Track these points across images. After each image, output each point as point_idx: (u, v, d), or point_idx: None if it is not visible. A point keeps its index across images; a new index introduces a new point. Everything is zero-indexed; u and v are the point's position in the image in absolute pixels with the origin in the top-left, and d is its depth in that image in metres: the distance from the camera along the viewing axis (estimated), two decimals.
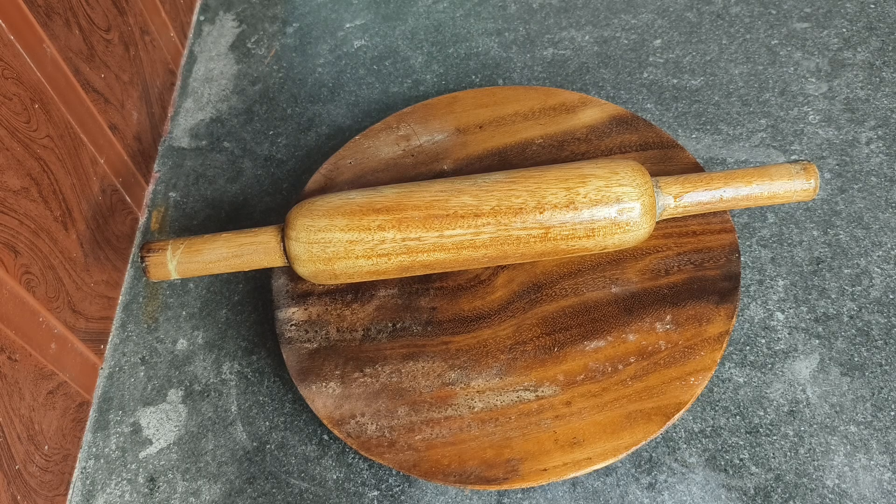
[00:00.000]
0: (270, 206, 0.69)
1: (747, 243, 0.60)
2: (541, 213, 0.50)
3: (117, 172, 0.66)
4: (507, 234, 0.51)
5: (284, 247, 0.52)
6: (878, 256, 0.59)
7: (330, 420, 0.51)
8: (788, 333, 0.56)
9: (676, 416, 0.48)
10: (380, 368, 0.53)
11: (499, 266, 0.56)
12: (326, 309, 0.56)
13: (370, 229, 0.51)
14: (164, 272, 0.53)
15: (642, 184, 0.50)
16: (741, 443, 0.52)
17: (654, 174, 0.59)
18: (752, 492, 0.50)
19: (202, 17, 0.88)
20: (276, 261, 0.53)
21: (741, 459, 0.51)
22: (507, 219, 0.50)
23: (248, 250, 0.53)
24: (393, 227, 0.50)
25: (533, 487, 0.51)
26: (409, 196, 0.51)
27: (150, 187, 0.72)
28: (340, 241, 0.51)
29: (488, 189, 0.51)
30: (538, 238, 0.51)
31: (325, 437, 0.55)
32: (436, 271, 0.54)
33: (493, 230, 0.50)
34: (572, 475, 0.47)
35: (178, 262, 0.53)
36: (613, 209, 0.50)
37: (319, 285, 0.57)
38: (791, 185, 0.52)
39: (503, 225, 0.50)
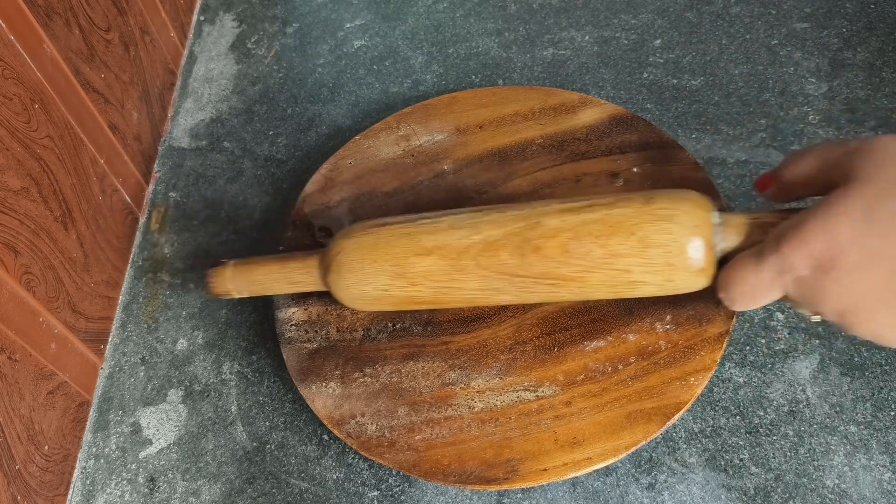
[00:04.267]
0: (270, 206, 0.69)
1: None
2: (580, 287, 0.47)
3: (117, 172, 0.66)
4: (552, 290, 0.47)
5: (326, 280, 0.52)
6: None
7: (330, 420, 0.51)
8: (788, 333, 0.56)
9: (676, 416, 0.48)
10: (380, 368, 0.53)
11: None
12: (326, 309, 0.56)
13: (404, 276, 0.49)
14: (224, 289, 0.55)
15: (705, 219, 0.44)
16: (741, 443, 0.52)
17: (655, 175, 0.59)
18: (753, 492, 0.50)
19: (202, 17, 0.88)
20: (318, 282, 0.53)
21: (741, 459, 0.51)
22: (541, 288, 0.47)
23: (295, 279, 0.53)
24: (426, 287, 0.49)
25: (533, 487, 0.51)
26: (446, 294, 0.49)
27: (150, 187, 0.72)
28: (378, 285, 0.50)
29: (528, 290, 0.47)
30: (577, 290, 0.48)
31: (325, 437, 0.55)
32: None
33: (539, 289, 0.48)
34: (572, 475, 0.47)
35: (235, 282, 0.54)
36: (665, 263, 0.44)
37: None
38: None
39: (547, 284, 0.47)
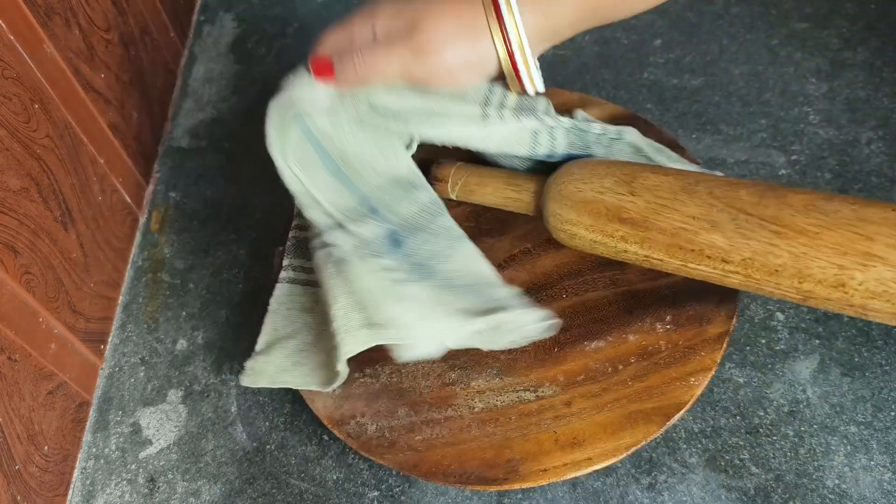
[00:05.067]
0: (270, 206, 0.69)
1: None
2: (800, 282, 0.42)
3: (117, 172, 0.66)
4: (756, 286, 0.44)
5: (543, 214, 0.53)
6: None
7: (330, 420, 0.51)
8: (788, 333, 0.56)
9: (676, 417, 0.48)
10: (380, 368, 0.53)
11: (499, 266, 0.56)
12: None
13: (613, 237, 0.48)
14: (445, 190, 0.58)
15: None
16: (741, 443, 0.52)
17: None
18: (753, 492, 0.50)
19: (202, 17, 0.88)
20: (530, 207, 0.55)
21: (741, 460, 0.51)
22: (759, 275, 0.43)
23: (512, 199, 0.56)
24: (636, 242, 0.47)
25: (533, 487, 0.51)
26: (658, 213, 0.46)
27: (150, 187, 0.72)
28: (585, 238, 0.50)
29: (746, 233, 0.43)
30: (794, 299, 0.43)
31: (325, 437, 0.55)
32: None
33: (742, 280, 0.44)
34: (572, 475, 0.47)
35: (462, 183, 0.58)
36: (893, 303, 0.39)
37: None
38: None
39: (754, 279, 0.43)
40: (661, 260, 0.47)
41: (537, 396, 0.50)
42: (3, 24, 0.50)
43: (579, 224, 0.50)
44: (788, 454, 0.51)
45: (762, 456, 0.51)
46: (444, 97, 0.52)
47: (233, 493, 0.54)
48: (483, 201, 0.58)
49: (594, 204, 0.49)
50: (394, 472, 0.53)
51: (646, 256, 0.48)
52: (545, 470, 0.47)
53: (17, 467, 0.48)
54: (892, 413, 0.52)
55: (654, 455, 0.52)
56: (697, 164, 0.57)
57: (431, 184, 0.58)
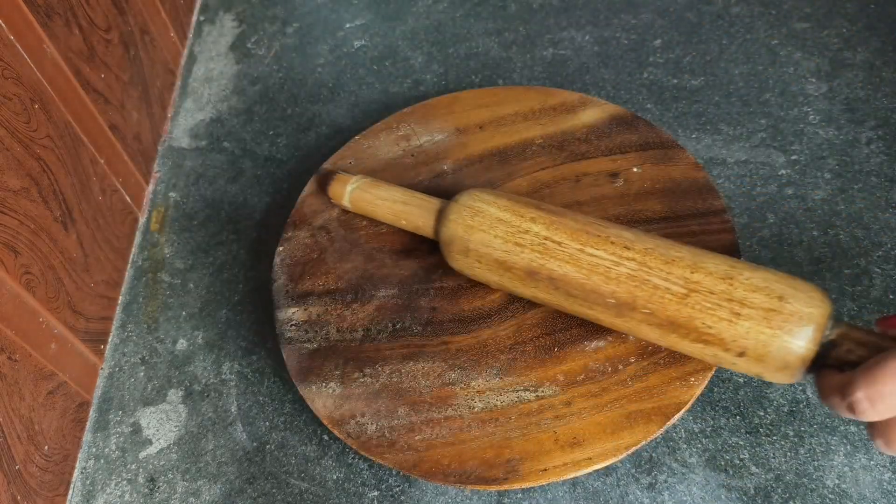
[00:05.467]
0: (270, 206, 0.69)
1: (747, 243, 0.60)
2: (692, 272, 0.45)
3: (117, 172, 0.66)
4: (646, 277, 0.46)
5: (442, 209, 0.54)
6: (878, 256, 0.59)
7: (330, 420, 0.51)
8: None
9: (676, 416, 0.48)
10: (380, 368, 0.53)
11: None
12: (326, 309, 0.56)
13: (522, 217, 0.50)
14: (340, 193, 0.59)
15: (816, 315, 0.42)
16: (741, 443, 0.52)
17: (655, 175, 0.59)
18: (753, 492, 0.50)
19: (202, 17, 0.88)
20: (428, 222, 0.55)
21: (741, 459, 0.51)
22: (654, 263, 0.46)
23: (414, 203, 0.56)
24: (543, 223, 0.49)
25: (533, 487, 0.51)
26: (573, 212, 0.51)
27: (150, 187, 0.72)
28: (491, 214, 0.51)
29: (651, 237, 0.48)
30: (676, 298, 0.45)
31: (325, 437, 0.55)
32: (551, 299, 0.50)
33: (635, 267, 0.46)
34: (572, 475, 0.47)
35: (354, 190, 0.58)
36: (773, 299, 0.43)
37: (320, 285, 0.57)
38: None
39: (647, 267, 0.46)
40: (559, 244, 0.48)
41: (537, 396, 0.50)
42: (3, 24, 0.50)
43: (493, 203, 0.52)
44: (788, 454, 0.51)
45: (762, 456, 0.51)
46: None
47: (233, 493, 0.54)
48: (376, 210, 0.58)
49: (515, 197, 0.53)
50: (394, 472, 0.53)
51: (545, 238, 0.49)
52: (545, 470, 0.47)
53: (17, 467, 0.48)
54: None
55: (654, 455, 0.52)
56: (697, 164, 0.57)
57: (326, 177, 0.60)
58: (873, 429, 0.38)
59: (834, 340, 0.41)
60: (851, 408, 0.37)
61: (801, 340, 0.42)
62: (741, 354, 0.43)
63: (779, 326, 0.42)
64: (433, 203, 0.55)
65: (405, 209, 0.56)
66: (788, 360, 0.42)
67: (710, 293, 0.44)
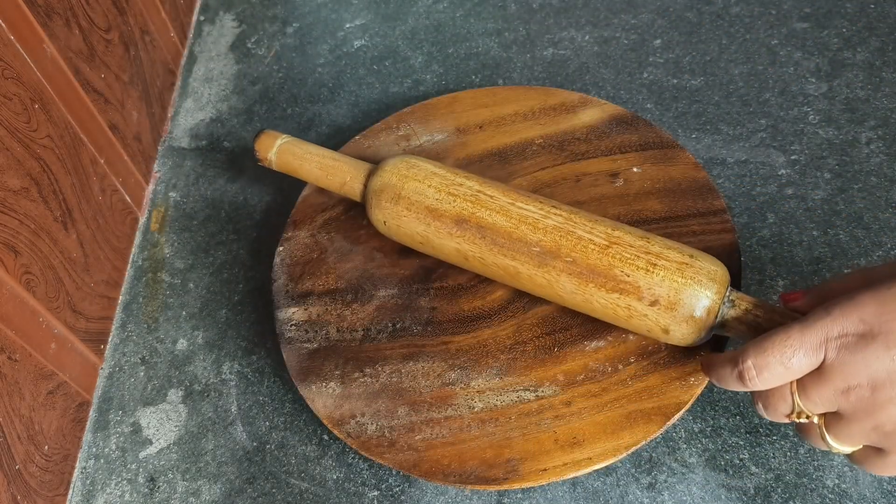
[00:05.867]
0: (270, 206, 0.69)
1: (747, 243, 0.60)
2: (613, 229, 0.49)
3: (117, 172, 0.66)
4: (570, 229, 0.49)
5: (375, 166, 0.56)
6: (878, 256, 0.59)
7: (330, 420, 0.51)
8: None
9: (676, 416, 0.48)
10: (380, 368, 0.53)
11: None
12: (326, 309, 0.56)
13: (456, 174, 0.54)
14: (268, 146, 0.59)
15: (720, 274, 0.47)
16: (741, 443, 0.52)
17: (655, 175, 0.59)
18: (753, 492, 0.50)
19: (202, 17, 0.88)
20: (357, 178, 0.56)
21: (741, 459, 0.51)
22: (579, 219, 0.50)
23: (345, 161, 0.58)
24: (475, 181, 0.53)
25: (533, 487, 0.51)
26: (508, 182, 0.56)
27: (150, 187, 0.72)
28: (426, 169, 0.54)
29: (577, 209, 0.52)
30: (598, 248, 0.48)
31: (325, 437, 0.55)
32: (474, 250, 0.52)
33: (561, 221, 0.50)
34: (572, 475, 0.47)
35: (283, 144, 0.59)
36: (685, 255, 0.48)
37: (320, 285, 0.57)
38: None
39: (572, 221, 0.50)
40: (490, 196, 0.51)
41: (537, 396, 0.50)
42: (3, 24, 0.50)
43: (427, 162, 0.55)
44: (788, 454, 0.51)
45: (762, 456, 0.51)
46: None
47: (233, 493, 0.54)
48: (301, 167, 0.59)
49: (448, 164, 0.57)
50: (394, 472, 0.53)
51: (478, 191, 0.52)
52: (545, 470, 0.47)
53: (17, 467, 0.48)
54: None
55: (654, 455, 0.52)
56: (697, 164, 0.57)
57: (254, 145, 0.60)
58: (757, 395, 0.42)
59: (734, 301, 0.47)
60: (741, 376, 0.40)
61: (709, 291, 0.46)
62: (654, 303, 0.47)
63: (691, 277, 0.47)
64: (365, 165, 0.57)
65: (334, 164, 0.58)
66: (696, 310, 0.46)
67: (630, 246, 0.48)
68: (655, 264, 0.47)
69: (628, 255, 0.48)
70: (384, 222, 0.55)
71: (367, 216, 0.57)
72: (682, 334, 0.47)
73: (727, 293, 0.47)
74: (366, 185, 0.56)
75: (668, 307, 0.47)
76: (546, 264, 0.50)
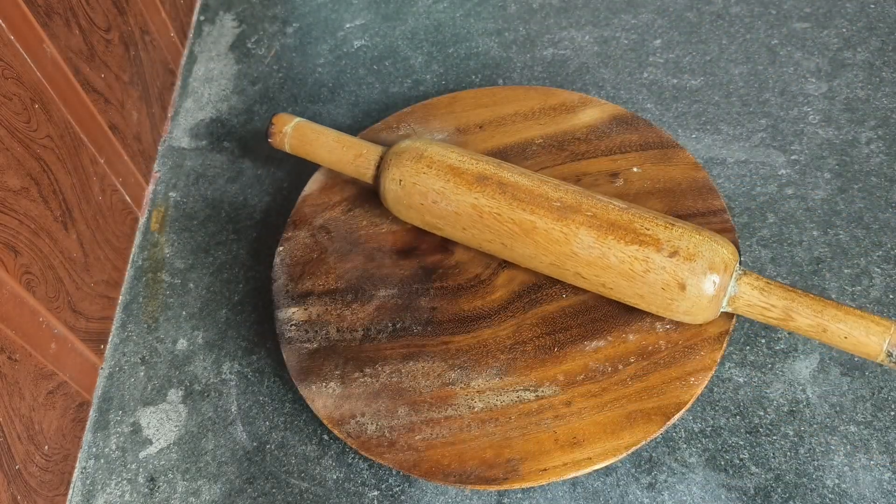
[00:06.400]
0: (270, 206, 0.69)
1: (747, 243, 0.60)
2: (629, 204, 0.52)
3: (117, 172, 0.66)
4: (591, 194, 0.52)
5: (392, 142, 0.59)
6: (878, 256, 0.59)
7: (330, 420, 0.51)
8: (788, 333, 0.56)
9: (676, 416, 0.48)
10: (380, 368, 0.53)
11: (499, 265, 0.56)
12: (326, 309, 0.56)
13: (474, 153, 0.56)
14: (286, 121, 0.61)
15: (730, 250, 0.49)
16: (741, 443, 0.52)
17: (655, 175, 0.59)
18: (752, 492, 0.50)
19: (202, 17, 0.88)
20: (374, 151, 0.58)
21: (741, 459, 0.51)
22: (596, 193, 0.53)
23: (365, 141, 0.59)
24: (494, 163, 0.55)
25: (533, 487, 0.51)
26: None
27: (150, 187, 0.72)
28: (447, 146, 0.56)
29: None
30: (618, 208, 0.51)
31: (325, 437, 0.55)
32: (492, 206, 0.52)
33: (580, 190, 0.53)
34: (572, 475, 0.47)
35: (299, 123, 0.61)
36: (697, 227, 0.50)
37: (320, 285, 0.57)
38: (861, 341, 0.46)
39: (590, 193, 0.52)
40: (511, 167, 0.54)
41: (537, 396, 0.50)
42: (3, 24, 0.50)
43: (444, 143, 0.57)
44: (788, 454, 0.51)
45: (762, 456, 0.51)
46: None
47: (233, 493, 0.54)
48: (316, 159, 0.61)
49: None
50: (394, 472, 0.53)
51: (499, 163, 0.54)
52: (545, 469, 0.47)
53: (17, 467, 0.48)
54: (892, 413, 0.52)
55: (654, 455, 0.52)
56: (697, 163, 0.57)
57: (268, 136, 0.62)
58: None
59: (745, 272, 0.49)
60: None
61: (725, 249, 0.48)
62: (673, 254, 0.48)
63: (708, 236, 0.49)
64: (383, 147, 0.59)
65: (352, 141, 0.59)
66: (716, 262, 0.48)
67: (647, 213, 0.51)
68: (673, 224, 0.49)
69: (647, 216, 0.50)
70: (399, 181, 0.55)
71: (377, 184, 0.57)
72: (698, 291, 0.48)
73: (738, 266, 0.49)
74: (382, 156, 0.57)
75: (687, 257, 0.48)
76: (566, 218, 0.51)
